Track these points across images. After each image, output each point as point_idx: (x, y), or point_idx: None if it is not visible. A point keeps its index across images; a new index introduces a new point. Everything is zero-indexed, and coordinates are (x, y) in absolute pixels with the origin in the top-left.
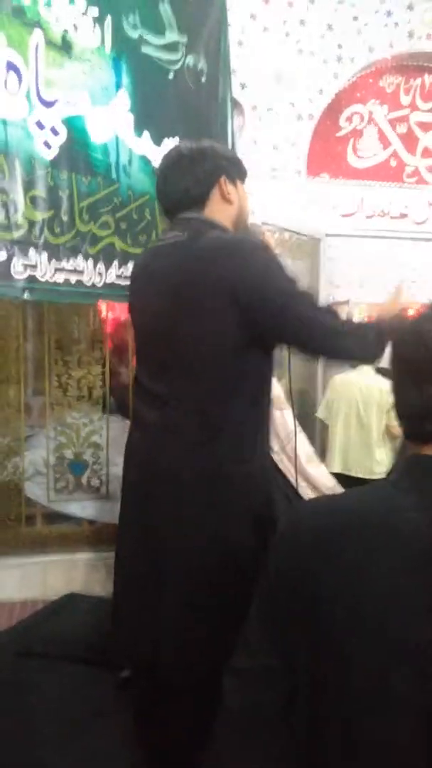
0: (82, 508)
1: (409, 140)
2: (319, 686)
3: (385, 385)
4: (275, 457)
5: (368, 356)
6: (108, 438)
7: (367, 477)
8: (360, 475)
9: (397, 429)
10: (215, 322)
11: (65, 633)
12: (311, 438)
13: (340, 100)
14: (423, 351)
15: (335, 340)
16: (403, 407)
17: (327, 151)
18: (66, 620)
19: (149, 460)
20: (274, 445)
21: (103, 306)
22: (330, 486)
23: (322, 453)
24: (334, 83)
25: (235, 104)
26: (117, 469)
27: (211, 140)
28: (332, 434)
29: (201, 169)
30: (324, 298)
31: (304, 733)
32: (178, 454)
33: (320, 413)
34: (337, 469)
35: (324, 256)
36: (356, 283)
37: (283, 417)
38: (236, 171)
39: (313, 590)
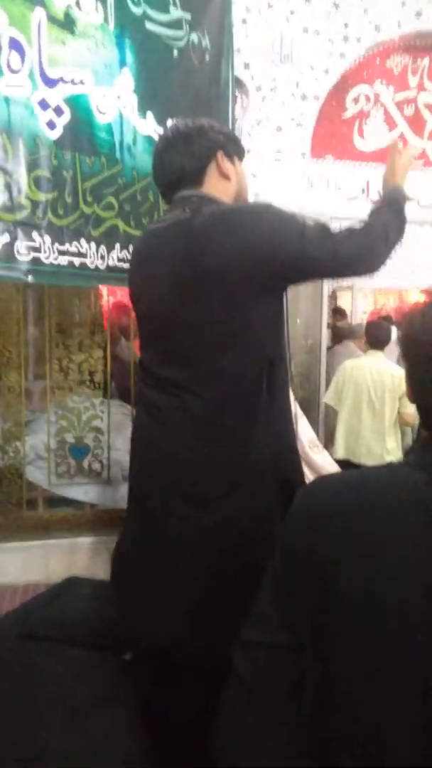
0: (83, 492)
1: (417, 122)
2: (326, 665)
3: (397, 370)
4: None
5: (394, 235)
6: (109, 422)
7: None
8: (369, 463)
9: (410, 416)
10: (219, 302)
11: (67, 616)
12: (314, 424)
13: (347, 80)
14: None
15: (355, 258)
16: (421, 396)
17: (332, 133)
18: (67, 603)
19: (153, 442)
20: None
21: (103, 290)
22: (333, 472)
23: (328, 439)
24: (340, 63)
25: (239, 84)
26: (118, 453)
27: (209, 119)
28: (339, 420)
29: (197, 146)
30: (328, 283)
31: (311, 709)
32: (179, 435)
33: (328, 399)
34: (341, 456)
35: None
36: None
37: None
38: (234, 148)
39: (326, 568)
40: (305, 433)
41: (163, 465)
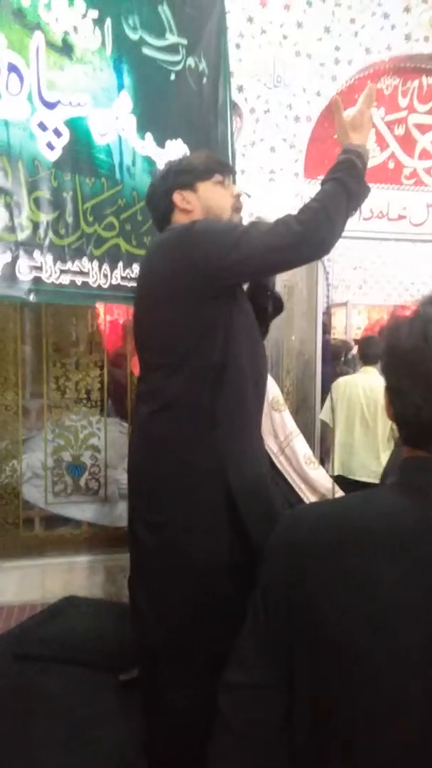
0: (80, 510)
1: (407, 142)
2: (317, 702)
3: None
4: (274, 459)
5: (338, 206)
6: (106, 440)
7: (371, 481)
8: (363, 479)
9: None
10: (161, 314)
11: (64, 635)
12: (310, 441)
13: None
14: (428, 352)
15: (302, 227)
16: (403, 411)
17: (325, 153)
18: (64, 623)
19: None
20: (273, 447)
21: (101, 309)
22: (329, 488)
23: (324, 455)
24: (332, 85)
25: (233, 106)
26: (115, 471)
27: (192, 151)
28: (334, 437)
29: (158, 197)
30: (322, 299)
31: (304, 745)
32: (136, 456)
33: (323, 416)
34: (338, 472)
35: (322, 259)
36: (355, 285)
37: (281, 418)
38: (190, 177)
39: (312, 605)
40: (301, 449)
41: (130, 486)
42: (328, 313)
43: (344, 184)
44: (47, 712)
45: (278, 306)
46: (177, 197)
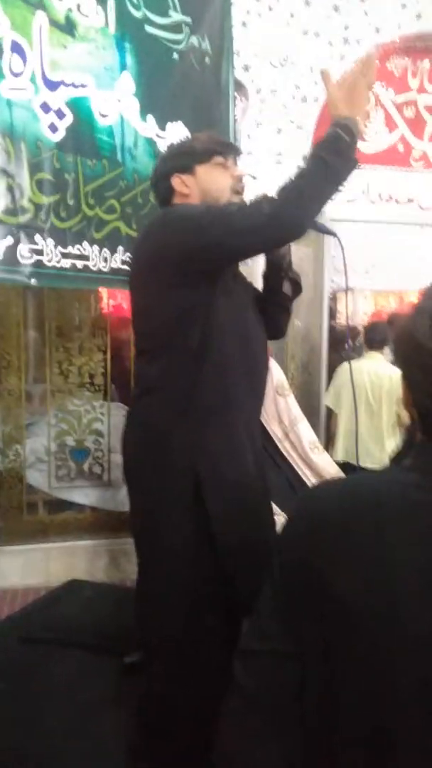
0: (84, 495)
1: (417, 124)
2: (331, 672)
3: (396, 372)
4: (279, 445)
5: (335, 175)
6: (109, 425)
7: (375, 467)
8: (368, 466)
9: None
10: (151, 292)
11: (67, 619)
12: (316, 427)
13: None
14: None
15: (272, 208)
16: (418, 401)
17: None
18: (68, 607)
19: None
20: (278, 432)
21: (104, 293)
22: (334, 474)
23: (330, 441)
24: (341, 65)
25: (239, 87)
26: (118, 456)
27: (196, 131)
28: (339, 422)
29: (159, 178)
30: (328, 284)
31: (316, 715)
32: (125, 426)
33: (328, 401)
34: (341, 458)
35: (329, 244)
36: (362, 270)
37: (286, 403)
38: (189, 160)
39: (325, 575)
40: (306, 434)
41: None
42: (333, 298)
43: (324, 161)
44: (51, 695)
45: (297, 288)
46: (176, 181)
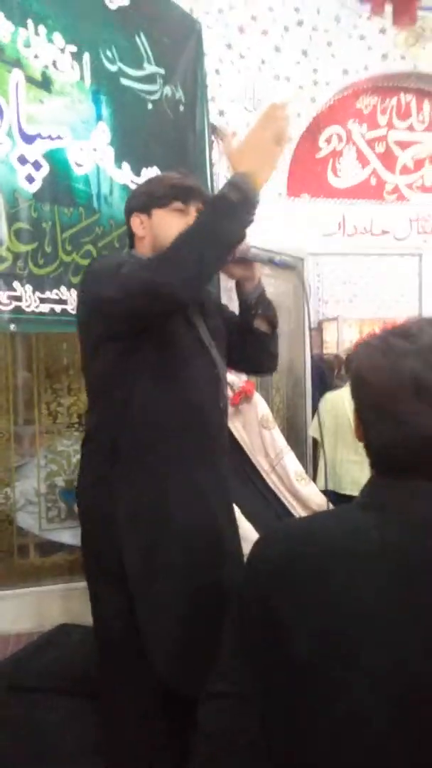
0: (74, 535)
1: (388, 158)
2: (292, 714)
3: None
4: (265, 477)
5: (215, 236)
6: None
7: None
8: (354, 493)
9: None
10: (84, 344)
11: (56, 665)
12: (302, 458)
13: (319, 122)
14: (397, 379)
15: (149, 273)
16: (377, 442)
17: (307, 172)
18: (57, 652)
19: None
20: (264, 465)
21: None
22: (321, 504)
23: (315, 471)
24: (312, 107)
25: (215, 130)
26: None
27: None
28: (323, 452)
29: (125, 216)
30: (313, 315)
31: (281, 757)
32: None
33: (312, 431)
34: (328, 487)
35: (308, 276)
36: (345, 300)
37: (271, 436)
38: (148, 201)
39: (277, 617)
40: (292, 466)
41: None
42: (319, 329)
43: (204, 223)
44: (42, 744)
45: (272, 324)
46: (134, 221)
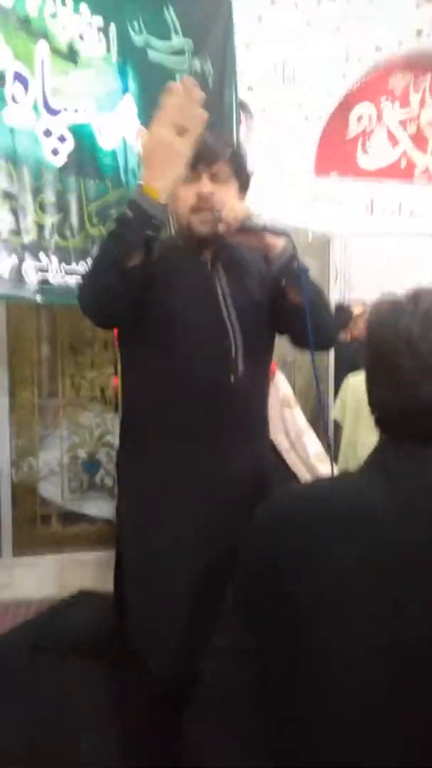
0: (95, 507)
1: (419, 139)
2: (292, 668)
3: None
4: (285, 456)
5: (103, 253)
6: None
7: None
8: None
9: None
10: None
11: (75, 628)
12: (324, 439)
13: (349, 100)
14: (401, 346)
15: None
16: (377, 401)
17: (336, 152)
18: (76, 616)
19: None
20: (284, 443)
21: None
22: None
23: (336, 453)
24: (343, 83)
25: (243, 107)
26: None
27: None
28: (343, 435)
29: None
30: (338, 298)
31: (278, 711)
32: None
33: (335, 414)
34: (344, 468)
35: (334, 257)
36: (372, 284)
37: (292, 415)
38: None
39: (284, 578)
40: (312, 446)
41: None
42: None
43: (102, 244)
44: (60, 703)
45: (313, 295)
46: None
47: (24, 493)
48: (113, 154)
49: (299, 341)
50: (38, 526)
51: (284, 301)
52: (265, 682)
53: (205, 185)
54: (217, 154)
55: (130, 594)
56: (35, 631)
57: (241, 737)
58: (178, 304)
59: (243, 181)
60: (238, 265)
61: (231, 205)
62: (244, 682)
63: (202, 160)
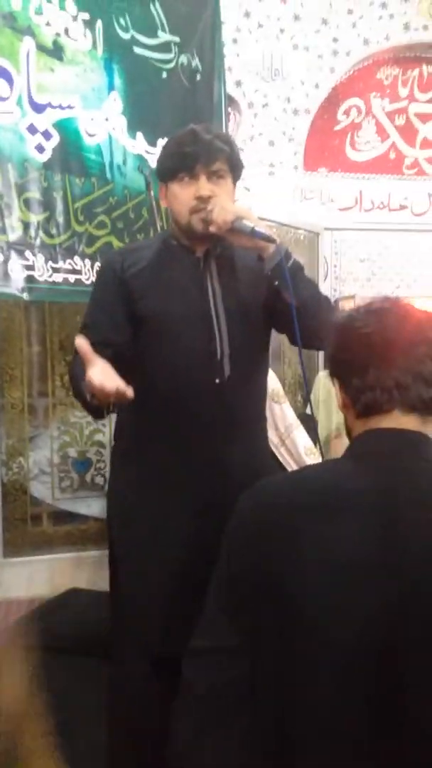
0: (86, 505)
1: (408, 132)
2: (283, 665)
3: None
4: (274, 451)
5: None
6: (111, 436)
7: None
8: None
9: None
10: None
11: (67, 626)
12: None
13: (338, 93)
14: (355, 348)
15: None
16: (345, 383)
17: (325, 145)
18: (67, 614)
19: None
20: (274, 438)
21: None
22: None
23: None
24: (331, 77)
25: (231, 101)
26: None
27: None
28: (320, 429)
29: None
30: (329, 293)
31: (267, 709)
32: None
33: (309, 409)
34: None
35: (323, 251)
36: (363, 277)
37: (281, 410)
38: (160, 174)
39: (274, 570)
40: (301, 440)
41: None
42: (336, 307)
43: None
44: (50, 701)
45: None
46: (160, 192)
47: (14, 492)
48: (99, 149)
49: (291, 339)
50: (29, 526)
51: (278, 301)
52: (252, 683)
53: (204, 186)
54: (215, 153)
55: (123, 574)
56: (27, 629)
57: (227, 736)
58: (169, 304)
59: (237, 174)
60: (232, 264)
61: (222, 205)
62: (228, 681)
63: (199, 160)
